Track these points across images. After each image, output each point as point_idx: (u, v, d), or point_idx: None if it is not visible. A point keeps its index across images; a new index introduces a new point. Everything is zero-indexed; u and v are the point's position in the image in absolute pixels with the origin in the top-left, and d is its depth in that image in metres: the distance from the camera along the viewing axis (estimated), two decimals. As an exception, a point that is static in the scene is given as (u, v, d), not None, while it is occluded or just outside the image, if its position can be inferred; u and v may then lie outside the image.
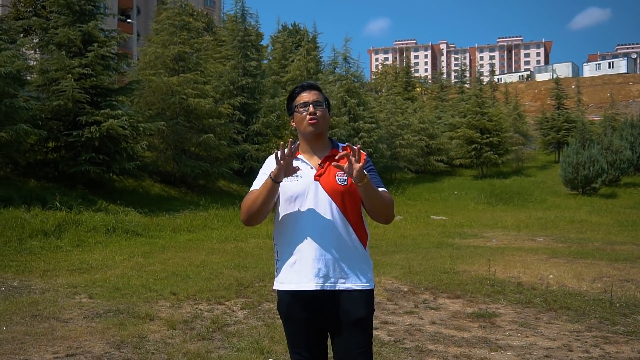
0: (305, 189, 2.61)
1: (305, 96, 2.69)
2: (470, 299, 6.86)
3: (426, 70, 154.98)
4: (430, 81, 75.07)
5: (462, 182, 32.06)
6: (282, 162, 2.47)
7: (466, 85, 45.86)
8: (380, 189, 2.61)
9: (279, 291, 2.68)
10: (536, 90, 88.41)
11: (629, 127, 30.86)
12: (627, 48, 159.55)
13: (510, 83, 78.42)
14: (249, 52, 23.83)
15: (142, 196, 17.64)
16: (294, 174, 2.55)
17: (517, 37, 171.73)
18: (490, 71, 51.64)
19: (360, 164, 2.42)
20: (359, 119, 27.93)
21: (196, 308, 6.35)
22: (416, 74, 74.61)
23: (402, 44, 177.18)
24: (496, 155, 32.73)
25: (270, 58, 31.77)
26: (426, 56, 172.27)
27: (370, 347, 2.62)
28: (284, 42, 30.95)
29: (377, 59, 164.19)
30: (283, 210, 2.66)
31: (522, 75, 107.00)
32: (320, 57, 34.57)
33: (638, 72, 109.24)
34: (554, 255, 10.70)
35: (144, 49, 21.29)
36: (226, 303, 6.63)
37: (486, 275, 8.22)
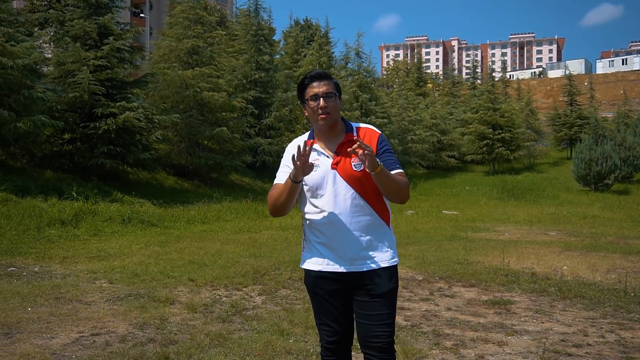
0: (324, 179, 2.67)
1: (316, 87, 2.69)
2: (485, 287, 6.92)
3: (437, 66, 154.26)
4: (441, 78, 74.85)
5: (473, 177, 32.02)
6: (298, 163, 2.53)
7: (478, 81, 45.72)
8: (395, 171, 2.67)
9: (305, 269, 2.79)
10: (548, 87, 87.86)
11: (643, 123, 30.69)
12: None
13: (522, 79, 77.97)
14: (262, 47, 23.93)
15: (156, 188, 17.81)
16: (310, 171, 2.60)
17: (529, 33, 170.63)
18: (502, 68, 51.47)
19: (371, 154, 2.46)
20: (371, 113, 27.98)
21: (215, 293, 6.46)
22: (427, 71, 74.51)
23: (414, 40, 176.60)
24: (508, 151, 32.63)
25: (283, 53, 31.85)
26: (437, 52, 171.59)
27: (393, 320, 2.70)
28: (296, 36, 31.04)
29: (388, 55, 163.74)
30: (307, 197, 2.75)
31: (535, 72, 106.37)
32: (332, 52, 34.61)
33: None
34: (567, 248, 10.71)
35: (158, 43, 21.46)
36: (244, 289, 6.73)
37: (500, 265, 8.28)
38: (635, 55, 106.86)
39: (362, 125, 2.82)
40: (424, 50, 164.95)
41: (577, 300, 6.23)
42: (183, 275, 7.37)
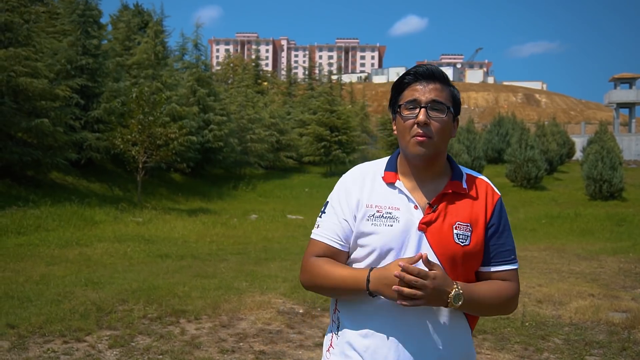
0: (401, 242, 1.64)
1: (419, 91, 1.65)
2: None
3: (267, 65, 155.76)
4: (274, 76, 74.93)
5: (311, 179, 31.93)
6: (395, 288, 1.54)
7: (314, 82, 46.14)
8: (501, 268, 1.71)
9: None
10: (373, 92, 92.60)
11: (466, 132, 32.80)
12: (450, 58, 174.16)
13: (349, 83, 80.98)
14: (90, 29, 21.29)
15: (-45, 189, 14.81)
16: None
17: (354, 39, 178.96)
18: (329, 71, 52.65)
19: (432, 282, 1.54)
20: (210, 110, 26.51)
21: (48, 349, 4.86)
22: (262, 68, 74.10)
23: (244, 36, 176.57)
24: (344, 154, 33.12)
25: (111, 38, 28.99)
26: (267, 51, 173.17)
27: None
28: (128, 22, 28.39)
29: (217, 50, 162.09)
30: (361, 265, 1.71)
31: (360, 77, 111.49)
32: (167, 42, 32.42)
33: (462, 81, 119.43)
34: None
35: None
36: (87, 339, 5.20)
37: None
38: (448, 67, 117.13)
39: (475, 173, 1.79)
40: (253, 48, 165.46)
41: (481, 337, 5.66)
42: (-1, 319, 5.60)
